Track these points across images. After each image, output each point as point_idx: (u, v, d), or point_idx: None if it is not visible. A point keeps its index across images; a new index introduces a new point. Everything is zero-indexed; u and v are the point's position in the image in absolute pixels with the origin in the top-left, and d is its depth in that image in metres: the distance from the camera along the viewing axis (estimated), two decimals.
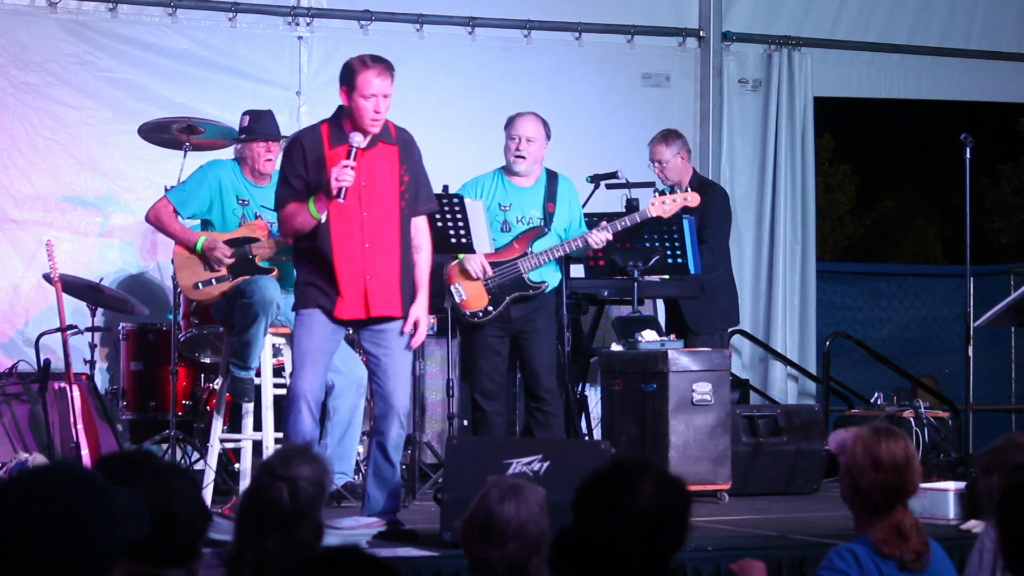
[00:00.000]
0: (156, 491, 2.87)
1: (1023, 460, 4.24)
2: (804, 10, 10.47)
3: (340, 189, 5.77)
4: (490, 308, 7.33)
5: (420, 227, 6.17)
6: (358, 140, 5.82)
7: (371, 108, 5.81)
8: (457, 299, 7.36)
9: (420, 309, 6.05)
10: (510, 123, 7.50)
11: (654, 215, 7.53)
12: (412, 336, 6.04)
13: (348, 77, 5.89)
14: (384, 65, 5.88)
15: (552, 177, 7.50)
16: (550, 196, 7.45)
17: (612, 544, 3.09)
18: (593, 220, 7.64)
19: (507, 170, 7.51)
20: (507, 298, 7.33)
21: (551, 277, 7.43)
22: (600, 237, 7.37)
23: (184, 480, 3.02)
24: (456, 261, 7.39)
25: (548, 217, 7.43)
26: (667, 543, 3.15)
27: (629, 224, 7.51)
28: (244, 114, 7.50)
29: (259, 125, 7.36)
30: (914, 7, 10.72)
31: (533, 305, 7.39)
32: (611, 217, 7.61)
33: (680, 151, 8.38)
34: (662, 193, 7.76)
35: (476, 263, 7.30)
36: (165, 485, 2.93)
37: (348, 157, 5.82)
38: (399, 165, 6.01)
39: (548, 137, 7.54)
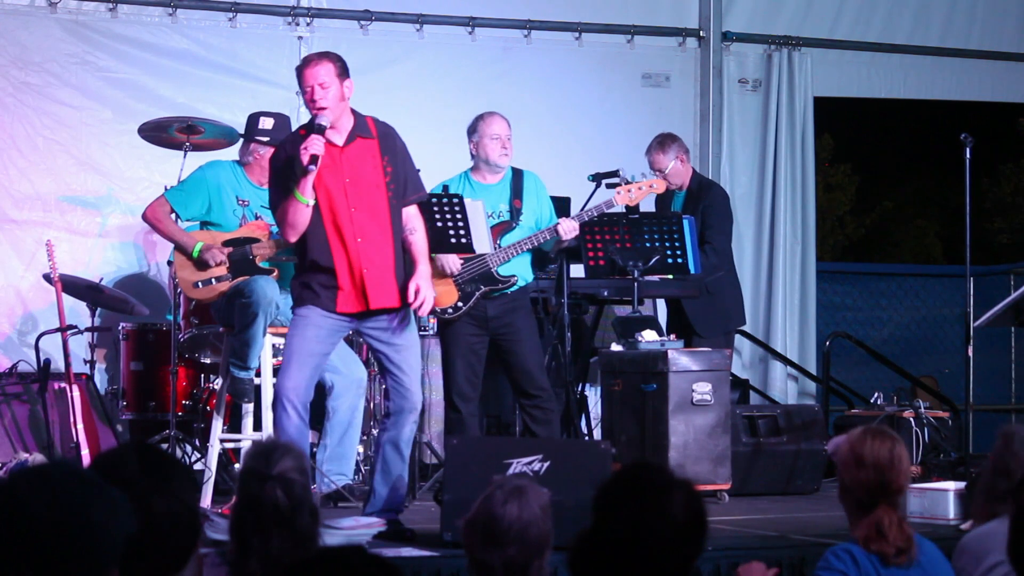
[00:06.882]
0: (189, 495, 2.83)
1: None
2: (804, 10, 10.47)
3: (312, 156, 5.84)
4: (460, 304, 7.28)
5: (411, 212, 6.21)
6: (323, 119, 5.95)
7: (307, 98, 6.02)
8: None
9: (421, 277, 6.05)
10: (486, 123, 7.37)
11: (621, 204, 7.52)
12: (417, 312, 6.08)
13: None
14: (315, 58, 6.06)
15: (517, 174, 7.47)
16: (516, 193, 7.43)
17: (646, 551, 3.11)
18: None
19: (474, 170, 7.47)
20: (476, 293, 7.29)
21: (522, 272, 7.38)
22: (568, 226, 7.34)
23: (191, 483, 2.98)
24: None
25: (515, 213, 7.40)
26: (696, 548, 3.18)
27: (596, 214, 7.49)
28: (263, 115, 7.45)
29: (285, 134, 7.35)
30: (914, 7, 10.72)
31: (510, 305, 7.32)
32: None
33: (678, 154, 8.37)
34: (627, 183, 7.70)
35: (449, 259, 7.26)
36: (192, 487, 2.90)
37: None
38: (380, 156, 6.08)
39: None
